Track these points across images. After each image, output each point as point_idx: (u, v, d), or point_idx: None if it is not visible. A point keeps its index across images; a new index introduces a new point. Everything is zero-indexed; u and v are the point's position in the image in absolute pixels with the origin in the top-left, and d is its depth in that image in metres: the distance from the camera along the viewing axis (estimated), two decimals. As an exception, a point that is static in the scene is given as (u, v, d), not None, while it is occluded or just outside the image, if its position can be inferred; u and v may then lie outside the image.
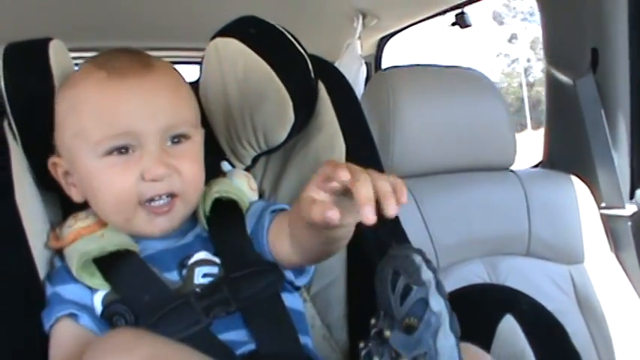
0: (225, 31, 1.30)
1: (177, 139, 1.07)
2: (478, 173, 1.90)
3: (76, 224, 1.10)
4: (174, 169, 1.04)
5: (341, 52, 2.81)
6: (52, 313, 1.02)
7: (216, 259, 1.10)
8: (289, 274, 1.14)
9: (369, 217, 0.77)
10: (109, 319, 1.02)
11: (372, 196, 0.78)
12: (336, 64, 2.73)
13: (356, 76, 2.67)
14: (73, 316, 1.02)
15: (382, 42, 3.04)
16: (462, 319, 0.80)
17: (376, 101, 1.81)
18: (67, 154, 1.09)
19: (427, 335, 0.77)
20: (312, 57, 1.31)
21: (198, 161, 1.11)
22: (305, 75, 1.28)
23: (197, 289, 1.05)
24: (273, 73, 1.23)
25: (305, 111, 1.29)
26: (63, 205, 1.25)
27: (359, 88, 2.61)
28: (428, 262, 0.80)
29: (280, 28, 1.29)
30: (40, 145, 1.13)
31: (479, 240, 1.81)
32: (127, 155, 1.03)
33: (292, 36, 1.30)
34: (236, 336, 1.03)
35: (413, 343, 0.77)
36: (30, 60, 1.16)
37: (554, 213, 1.92)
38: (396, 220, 1.30)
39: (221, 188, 1.15)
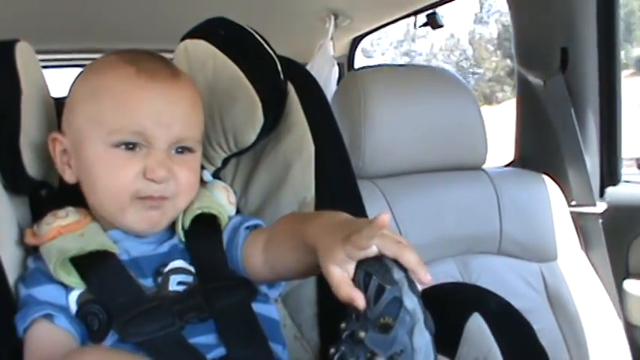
0: (195, 33, 1.31)
1: (182, 150, 1.10)
2: (450, 173, 1.91)
3: (55, 222, 1.09)
4: (173, 175, 1.07)
5: (313, 53, 2.81)
6: (28, 315, 1.01)
7: (192, 269, 1.11)
8: (262, 287, 1.15)
9: (428, 278, 0.81)
10: (83, 318, 1.03)
11: (420, 260, 0.81)
12: (309, 66, 2.75)
13: (328, 77, 2.68)
14: (48, 317, 1.01)
15: (355, 42, 3.05)
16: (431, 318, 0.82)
17: (348, 101, 1.81)
18: (73, 135, 1.10)
19: (403, 333, 0.78)
20: (282, 58, 1.31)
21: (195, 173, 1.14)
22: (274, 76, 1.28)
23: (171, 295, 1.06)
24: (242, 75, 1.24)
25: (274, 112, 1.29)
26: (32, 208, 1.25)
27: (331, 89, 2.61)
28: (398, 262, 0.81)
29: (250, 30, 1.29)
30: (9, 148, 1.12)
31: (451, 239, 1.82)
32: (133, 152, 1.05)
33: (262, 37, 1.30)
34: (207, 340, 1.04)
35: (389, 342, 0.79)
36: None
37: (525, 212, 1.93)
38: (363, 214, 1.32)
39: (202, 204, 1.16)
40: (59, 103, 1.17)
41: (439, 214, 1.81)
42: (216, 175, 1.37)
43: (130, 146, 1.05)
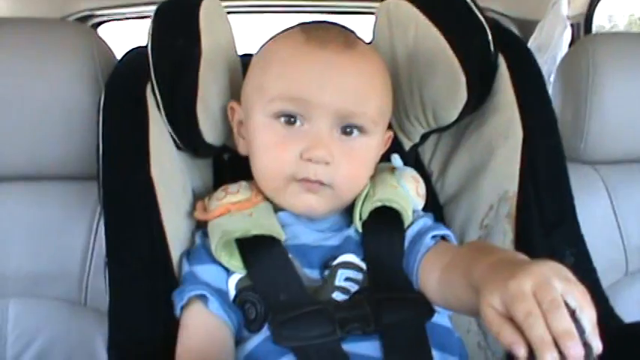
0: None
1: (351, 130, 1.00)
2: (688, 163, 1.63)
3: (226, 198, 1.04)
4: (334, 162, 0.97)
5: (546, 11, 2.57)
6: (185, 293, 0.97)
7: (363, 265, 1.00)
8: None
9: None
10: (241, 305, 0.97)
11: (549, 338, 0.62)
12: (539, 25, 2.53)
13: (559, 40, 2.43)
14: (203, 298, 0.96)
15: (594, 1, 2.75)
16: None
17: (573, 72, 1.59)
18: (244, 104, 1.06)
19: None
20: (496, 25, 1.16)
21: (364, 164, 1.04)
22: (483, 47, 1.14)
23: (336, 297, 0.96)
24: (446, 44, 1.12)
25: (480, 89, 1.15)
26: (216, 172, 1.22)
27: (561, 54, 2.37)
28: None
29: None
30: (186, 112, 1.07)
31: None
32: (293, 128, 0.98)
33: (474, 2, 1.14)
34: (366, 356, 0.93)
35: None
36: (178, 22, 1.10)
37: None
38: (572, 221, 1.15)
39: (385, 196, 1.04)
40: (247, 62, 1.10)
41: (670, 212, 1.56)
42: (413, 151, 1.25)
43: (292, 119, 0.98)
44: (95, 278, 1.26)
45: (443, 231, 1.04)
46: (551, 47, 2.41)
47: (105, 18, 2.71)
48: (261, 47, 1.07)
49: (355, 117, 0.98)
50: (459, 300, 0.88)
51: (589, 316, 0.63)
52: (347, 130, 0.99)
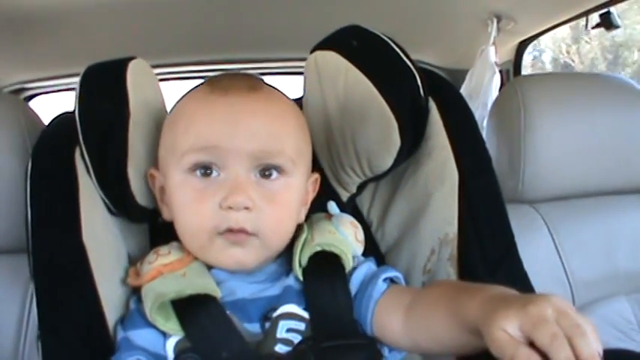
0: (325, 44, 1.19)
1: (269, 172, 0.98)
2: (625, 197, 1.65)
3: (157, 260, 1.01)
4: (256, 206, 0.95)
5: (475, 60, 2.62)
6: None
7: (305, 315, 0.98)
8: (383, 348, 1.00)
9: None
10: None
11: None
12: (469, 73, 2.58)
13: (488, 85, 2.48)
14: None
15: (521, 47, 2.82)
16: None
17: (506, 113, 1.61)
18: (161, 167, 1.04)
19: None
20: (424, 70, 1.17)
21: (287, 207, 1.01)
22: (413, 92, 1.13)
23: (279, 350, 0.94)
24: (376, 92, 1.11)
25: (413, 134, 1.14)
26: (152, 237, 1.18)
27: (491, 99, 2.42)
28: None
29: (386, 39, 1.16)
30: (117, 175, 1.05)
31: (625, 275, 1.56)
32: (209, 179, 0.96)
33: (400, 48, 1.16)
34: None
35: None
36: (105, 84, 1.09)
37: None
38: (514, 257, 1.14)
39: (324, 240, 1.03)
40: None
41: (611, 245, 1.57)
42: (351, 202, 1.24)
43: (207, 171, 0.96)
44: (30, 356, 1.22)
45: (393, 273, 1.03)
46: (481, 93, 2.46)
47: (38, 90, 2.68)
48: (170, 110, 1.07)
49: (271, 157, 0.97)
50: (434, 343, 0.89)
51: (600, 348, 0.65)
52: (265, 173, 0.98)
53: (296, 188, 1.02)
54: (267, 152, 0.96)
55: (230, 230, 0.95)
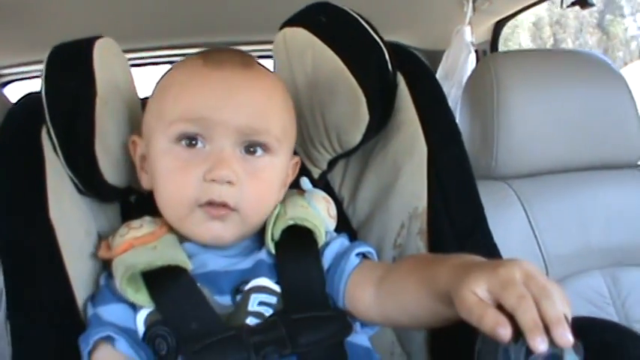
0: (294, 20, 1.19)
1: (254, 148, 0.98)
2: (597, 172, 1.66)
3: (129, 233, 1.00)
4: (239, 181, 0.95)
5: (451, 40, 2.62)
6: (90, 337, 0.93)
7: (277, 288, 0.98)
8: (355, 323, 1.00)
9: (540, 348, 0.63)
10: (151, 341, 0.93)
11: (539, 322, 0.64)
12: (445, 54, 2.57)
13: (464, 65, 2.47)
14: (110, 339, 0.93)
15: (498, 27, 2.82)
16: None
17: (478, 91, 1.62)
18: (145, 134, 1.03)
19: None
20: (392, 45, 1.17)
21: (270, 185, 1.01)
22: (381, 67, 1.14)
23: (250, 322, 0.94)
24: (344, 67, 1.11)
25: (382, 108, 1.15)
26: (123, 215, 1.18)
27: (466, 78, 2.42)
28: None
29: (354, 15, 1.16)
30: (84, 153, 1.04)
31: (598, 249, 1.58)
32: (194, 150, 0.96)
33: (368, 23, 1.17)
34: None
35: None
36: (72, 62, 1.08)
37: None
38: (484, 230, 1.15)
39: (296, 215, 1.02)
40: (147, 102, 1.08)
41: (584, 220, 1.59)
42: (322, 179, 1.24)
43: (193, 142, 0.96)
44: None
45: (366, 248, 1.03)
46: (457, 73, 2.46)
47: (11, 77, 2.66)
48: (160, 77, 1.06)
49: (258, 134, 0.97)
50: (405, 314, 0.90)
51: (569, 311, 0.65)
52: (250, 149, 0.97)
53: (279, 168, 1.02)
54: (254, 129, 0.96)
55: (210, 203, 0.95)
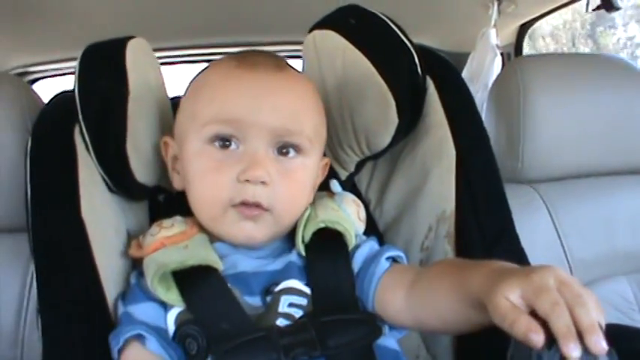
0: (324, 23, 1.20)
1: (287, 149, 0.99)
2: (625, 177, 1.65)
3: (160, 233, 1.01)
4: (272, 182, 0.96)
5: (476, 42, 2.62)
6: (120, 335, 0.93)
7: (307, 290, 0.98)
8: (384, 326, 1.00)
9: (573, 354, 0.63)
10: (181, 340, 0.94)
11: (573, 328, 0.63)
12: (470, 56, 2.57)
13: (489, 68, 2.47)
14: (140, 338, 0.93)
15: (523, 29, 2.81)
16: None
17: (505, 94, 1.61)
18: (178, 136, 1.05)
19: None
20: (421, 49, 1.17)
21: (302, 186, 1.02)
22: (411, 71, 1.14)
23: (280, 324, 0.94)
24: (374, 70, 1.12)
25: (411, 112, 1.15)
26: (152, 214, 1.19)
27: (492, 81, 2.41)
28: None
29: (384, 17, 1.16)
30: (116, 152, 1.05)
31: (625, 255, 1.57)
32: (228, 151, 0.97)
33: (398, 26, 1.16)
34: None
35: None
36: (105, 62, 1.09)
37: None
38: (512, 234, 1.15)
39: (327, 217, 1.03)
40: (177, 103, 1.09)
41: (611, 225, 1.57)
42: (350, 181, 1.24)
43: (227, 143, 0.97)
44: (30, 334, 1.23)
45: (396, 252, 1.03)
46: (482, 75, 2.45)
47: (41, 75, 2.69)
48: (193, 78, 1.07)
49: (291, 135, 0.97)
50: (438, 319, 0.90)
51: (602, 319, 0.65)
52: (283, 150, 0.98)
53: (310, 168, 1.03)
54: (288, 130, 0.97)
55: (244, 204, 0.96)
